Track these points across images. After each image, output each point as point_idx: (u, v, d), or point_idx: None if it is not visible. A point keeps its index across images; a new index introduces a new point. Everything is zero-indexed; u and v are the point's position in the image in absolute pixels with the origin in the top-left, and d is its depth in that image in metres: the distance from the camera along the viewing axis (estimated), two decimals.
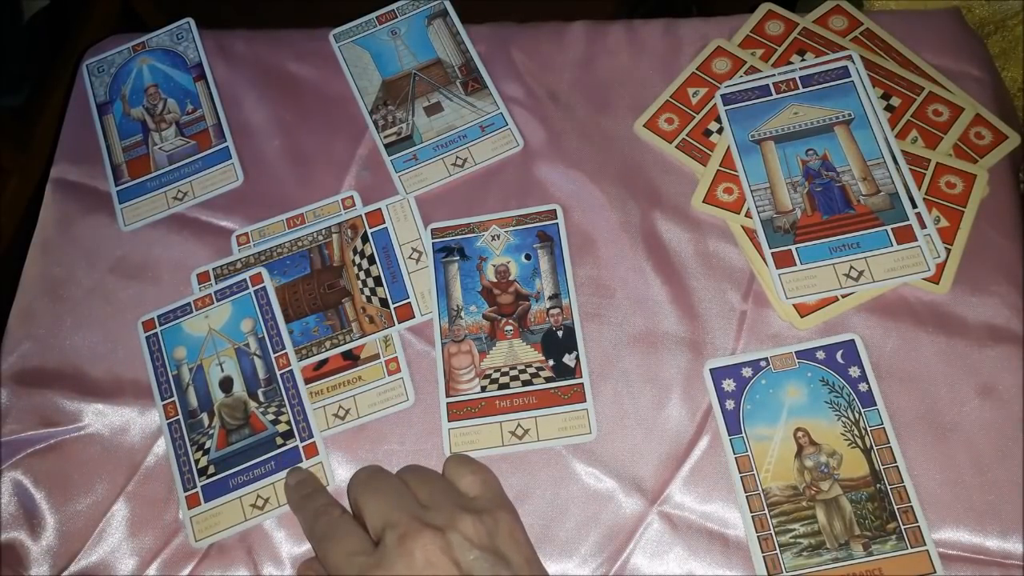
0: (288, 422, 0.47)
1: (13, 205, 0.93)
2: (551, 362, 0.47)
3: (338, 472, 0.46)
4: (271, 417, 0.47)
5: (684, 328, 0.48)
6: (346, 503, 0.44)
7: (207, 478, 0.46)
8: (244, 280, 0.50)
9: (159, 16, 1.10)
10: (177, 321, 0.49)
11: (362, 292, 0.50)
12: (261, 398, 0.47)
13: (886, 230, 0.47)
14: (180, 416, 0.47)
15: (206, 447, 0.47)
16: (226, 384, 0.48)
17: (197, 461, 0.46)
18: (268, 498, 0.45)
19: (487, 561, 0.36)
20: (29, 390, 0.49)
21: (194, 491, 0.46)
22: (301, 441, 0.46)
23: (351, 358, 0.48)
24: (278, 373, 0.48)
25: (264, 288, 0.49)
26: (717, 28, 0.55)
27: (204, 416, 0.47)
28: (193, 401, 0.48)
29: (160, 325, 0.49)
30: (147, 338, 0.49)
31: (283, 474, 0.45)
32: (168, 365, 0.48)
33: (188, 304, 0.50)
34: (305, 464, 0.46)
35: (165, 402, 0.48)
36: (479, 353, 0.48)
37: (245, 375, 0.48)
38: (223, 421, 0.47)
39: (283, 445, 0.46)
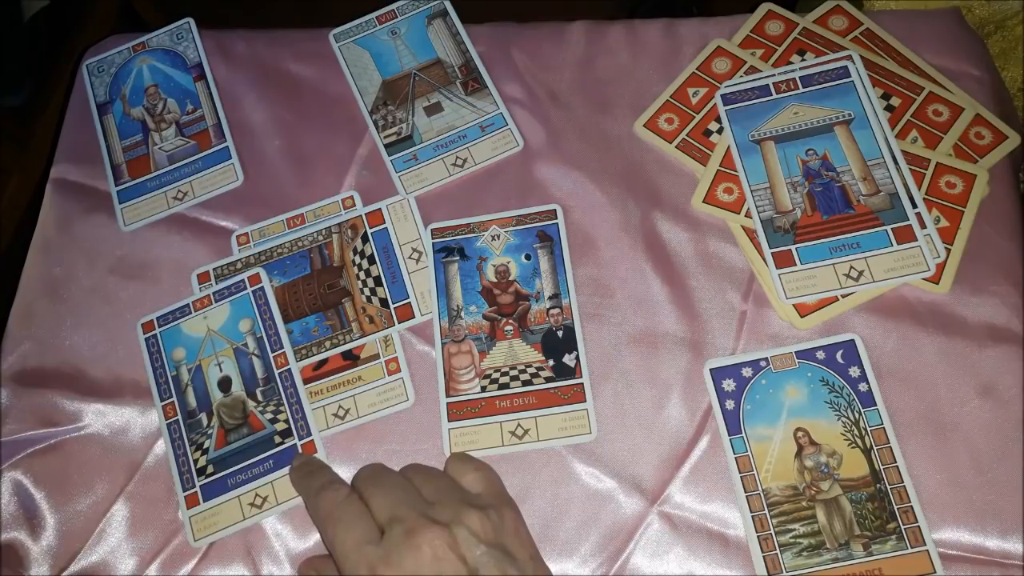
0: (286, 421, 0.47)
1: (13, 205, 0.93)
2: (551, 362, 0.47)
3: (338, 472, 0.46)
4: (269, 416, 0.47)
5: (684, 328, 0.48)
6: None
7: (206, 478, 0.46)
8: (242, 281, 0.50)
9: (159, 16, 1.10)
10: (176, 322, 0.49)
11: (362, 292, 0.50)
12: (259, 397, 0.47)
13: (886, 230, 0.47)
14: (179, 416, 0.47)
15: (205, 447, 0.47)
16: (224, 384, 0.48)
17: (196, 461, 0.46)
18: (266, 497, 0.45)
19: (493, 557, 0.36)
20: (29, 390, 0.49)
21: (193, 491, 0.46)
22: (299, 440, 0.46)
23: (351, 358, 0.48)
24: (276, 372, 0.48)
25: (262, 288, 0.49)
26: (717, 28, 0.55)
27: (203, 416, 0.47)
28: (192, 401, 0.48)
29: (159, 327, 0.49)
30: (146, 340, 0.49)
31: (281, 473, 0.45)
32: (167, 366, 0.48)
33: (187, 305, 0.50)
34: None
35: (164, 403, 0.48)
36: (479, 353, 0.48)
37: (243, 375, 0.48)
38: (222, 421, 0.47)
39: (281, 444, 0.46)
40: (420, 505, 0.38)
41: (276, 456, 0.46)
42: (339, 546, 0.37)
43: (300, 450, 0.46)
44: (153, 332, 0.49)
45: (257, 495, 0.45)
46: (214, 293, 0.50)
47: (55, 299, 0.51)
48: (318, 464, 0.44)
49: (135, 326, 0.50)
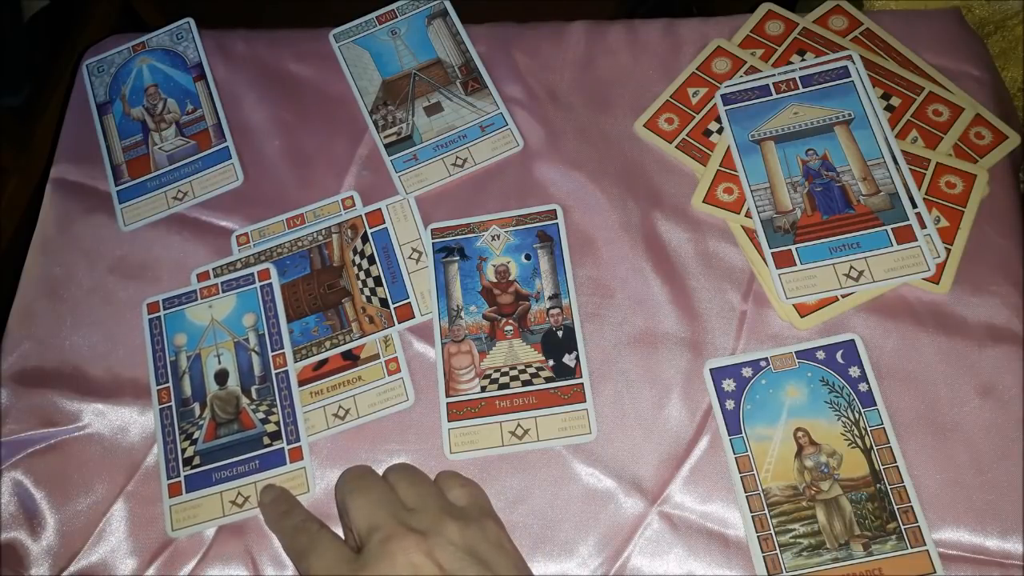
0: (277, 423, 0.47)
1: (13, 205, 0.93)
2: (551, 362, 0.47)
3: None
4: (261, 416, 0.47)
5: (684, 328, 0.48)
6: (332, 506, 0.44)
7: (191, 468, 0.46)
8: (252, 274, 0.50)
9: (159, 16, 1.10)
10: (181, 307, 0.49)
11: (362, 292, 0.50)
12: (254, 395, 0.47)
13: (886, 230, 0.47)
14: (172, 403, 0.47)
15: (194, 437, 0.47)
16: (221, 377, 0.48)
17: (184, 450, 0.46)
18: (248, 496, 0.45)
19: (472, 567, 0.36)
20: (29, 390, 0.49)
21: (177, 480, 0.46)
22: (288, 444, 0.46)
23: (351, 358, 0.48)
24: (273, 372, 0.48)
25: (270, 285, 0.49)
26: (717, 28, 0.55)
27: (196, 406, 0.47)
28: (187, 389, 0.48)
29: (164, 309, 0.49)
30: (149, 321, 0.49)
31: (266, 474, 0.45)
32: (167, 350, 0.49)
33: (193, 291, 0.50)
34: (288, 468, 0.46)
35: (160, 387, 0.48)
36: (479, 353, 0.48)
37: (241, 370, 0.48)
38: (214, 413, 0.47)
39: (269, 445, 0.46)
40: (400, 513, 0.38)
41: (263, 457, 0.46)
42: (313, 572, 0.37)
43: (287, 455, 0.46)
44: (157, 314, 0.49)
45: (240, 494, 0.45)
46: (222, 283, 0.50)
47: (55, 299, 0.51)
48: (290, 501, 0.44)
49: (135, 326, 0.50)
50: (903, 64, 0.53)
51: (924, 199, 0.48)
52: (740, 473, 0.44)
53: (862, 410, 0.44)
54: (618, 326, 0.48)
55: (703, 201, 0.50)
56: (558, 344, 0.47)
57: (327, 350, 0.48)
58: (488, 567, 0.36)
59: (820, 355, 0.46)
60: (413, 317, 0.49)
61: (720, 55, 0.54)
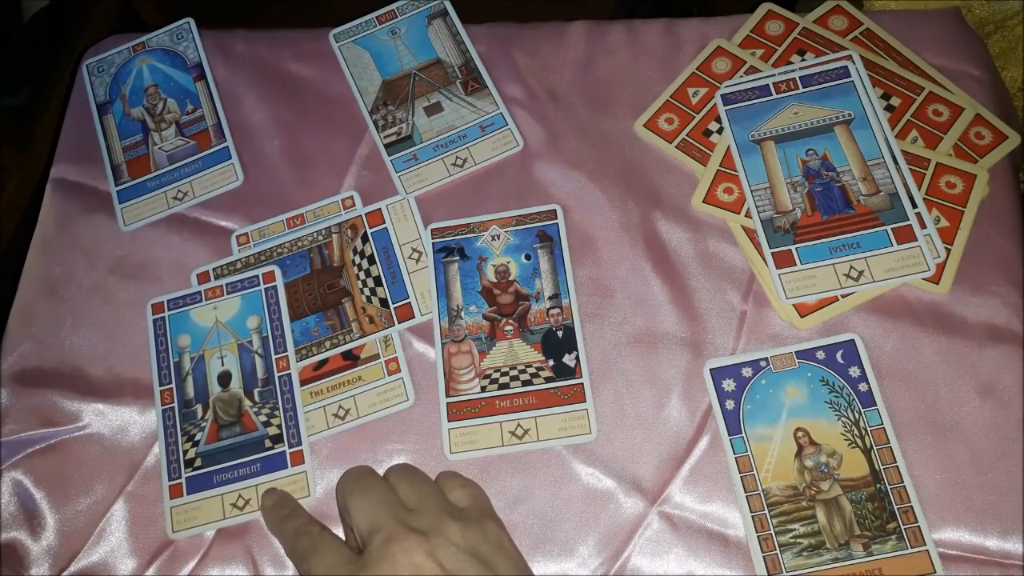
0: (279, 426, 0.47)
1: (13, 205, 0.93)
2: (551, 362, 0.47)
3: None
4: (263, 418, 0.47)
5: (684, 328, 0.48)
6: (333, 507, 0.44)
7: (193, 470, 0.46)
8: (256, 276, 0.50)
9: (159, 16, 1.10)
10: (186, 308, 0.49)
11: (362, 292, 0.50)
12: (256, 398, 0.47)
13: (886, 230, 0.47)
14: (175, 404, 0.47)
15: (196, 439, 0.47)
16: (224, 379, 0.48)
17: (185, 452, 0.46)
18: (249, 499, 0.45)
19: (473, 567, 0.36)
20: (29, 390, 0.49)
21: (178, 481, 0.46)
22: (289, 447, 0.46)
23: (351, 358, 0.48)
24: (276, 375, 0.48)
25: (275, 287, 0.49)
26: (717, 28, 0.55)
27: (198, 408, 0.47)
28: (190, 391, 0.48)
29: (168, 310, 0.49)
30: (154, 321, 0.49)
31: (267, 477, 0.45)
32: (171, 351, 0.49)
33: (198, 292, 0.50)
34: (289, 471, 0.46)
35: (162, 388, 0.48)
36: (479, 353, 0.48)
37: (244, 372, 0.48)
38: (216, 415, 0.47)
39: (271, 448, 0.46)
40: (401, 513, 0.38)
41: (264, 460, 0.46)
42: (315, 573, 0.37)
43: (288, 458, 0.46)
44: (162, 315, 0.49)
45: (240, 496, 0.45)
46: (227, 285, 0.50)
47: (55, 299, 0.51)
48: (292, 504, 0.44)
49: (135, 326, 0.50)
50: (903, 64, 0.53)
51: (924, 199, 0.48)
52: (740, 473, 0.44)
53: (862, 410, 0.44)
54: (618, 326, 0.48)
55: (703, 201, 0.50)
56: (558, 344, 0.47)
57: (327, 350, 0.48)
58: (489, 567, 0.36)
59: (820, 355, 0.46)
60: (413, 317, 0.49)
61: (720, 55, 0.54)
